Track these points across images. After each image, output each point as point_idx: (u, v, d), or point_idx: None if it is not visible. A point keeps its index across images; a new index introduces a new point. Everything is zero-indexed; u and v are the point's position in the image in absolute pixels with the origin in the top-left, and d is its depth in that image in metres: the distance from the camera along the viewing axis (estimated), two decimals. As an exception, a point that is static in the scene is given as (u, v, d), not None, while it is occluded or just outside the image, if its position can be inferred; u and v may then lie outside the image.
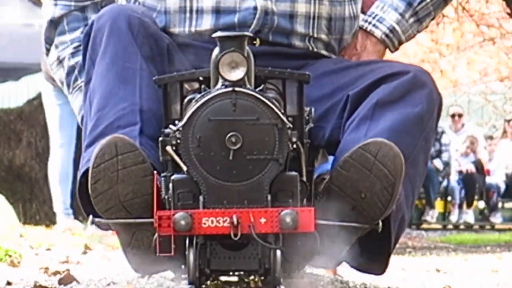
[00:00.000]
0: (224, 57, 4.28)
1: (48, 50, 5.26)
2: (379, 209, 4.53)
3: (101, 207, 4.43)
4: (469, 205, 28.46)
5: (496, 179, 27.82)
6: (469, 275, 9.25)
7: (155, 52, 4.76)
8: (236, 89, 4.31)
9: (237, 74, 4.30)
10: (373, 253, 4.87)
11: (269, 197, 4.42)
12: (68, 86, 5.27)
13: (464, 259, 12.70)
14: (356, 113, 4.80)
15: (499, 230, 26.62)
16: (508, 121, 27.88)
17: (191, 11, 4.80)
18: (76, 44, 5.12)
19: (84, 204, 4.62)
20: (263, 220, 4.33)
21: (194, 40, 4.92)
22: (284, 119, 4.47)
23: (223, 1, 4.92)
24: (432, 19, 5.39)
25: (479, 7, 23.76)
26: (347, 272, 6.43)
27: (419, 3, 5.11)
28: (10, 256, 8.05)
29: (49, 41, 5.24)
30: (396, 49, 5.29)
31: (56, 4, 5.17)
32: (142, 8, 4.89)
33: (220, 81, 4.41)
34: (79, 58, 5.07)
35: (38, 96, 16.10)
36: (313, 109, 4.60)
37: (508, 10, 20.09)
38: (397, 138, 4.56)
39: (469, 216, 26.92)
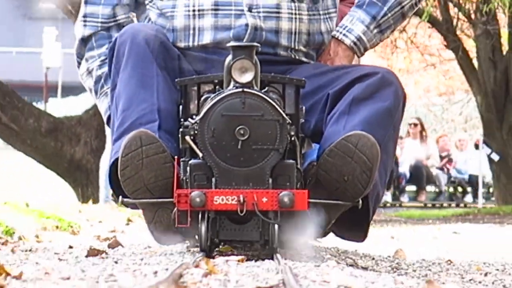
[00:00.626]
0: (236, 63, 4.35)
1: (79, 63, 5.32)
2: (359, 189, 4.57)
3: (129, 189, 4.50)
4: (387, 189, 29.04)
5: (404, 168, 28.69)
6: (416, 241, 9.27)
7: (167, 61, 4.82)
8: (245, 90, 4.36)
9: (246, 77, 4.36)
10: (355, 224, 4.93)
11: (270, 181, 4.45)
12: (96, 92, 5.30)
13: (412, 229, 12.64)
14: (336, 109, 4.82)
15: (406, 207, 27.61)
16: (411, 124, 28.79)
17: (194, 28, 4.87)
18: (102, 57, 5.16)
19: (114, 187, 4.69)
20: (264, 199, 4.35)
21: (196, 51, 4.96)
22: (285, 116, 4.50)
23: (220, 20, 4.97)
24: (392, 31, 5.44)
25: (423, 40, 24.50)
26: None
27: (382, 17, 5.08)
28: (71, 227, 8.27)
29: (80, 56, 5.29)
30: (362, 54, 5.25)
31: (85, 25, 5.24)
32: (156, 26, 4.98)
33: (232, 83, 4.45)
34: (105, 69, 5.14)
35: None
36: (304, 108, 4.59)
37: (445, 43, 20.48)
38: (371, 129, 4.59)
39: (387, 197, 27.76)
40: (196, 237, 4.55)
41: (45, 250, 5.91)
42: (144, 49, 4.75)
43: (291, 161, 4.56)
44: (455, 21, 21.10)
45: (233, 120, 4.43)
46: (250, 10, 4.85)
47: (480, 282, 4.99)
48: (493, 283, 4.96)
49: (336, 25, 5.25)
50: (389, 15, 5.10)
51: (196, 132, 4.44)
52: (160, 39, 4.79)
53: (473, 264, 5.67)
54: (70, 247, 6.03)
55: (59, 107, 37.45)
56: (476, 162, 28.50)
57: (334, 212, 4.68)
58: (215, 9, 4.85)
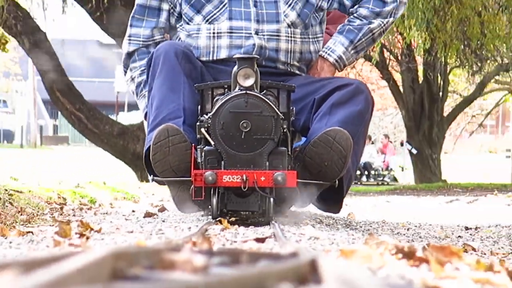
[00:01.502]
0: (240, 71, 4.35)
1: (125, 72, 5.33)
2: (336, 172, 4.54)
3: (158, 170, 4.50)
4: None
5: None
6: (362, 207, 9.20)
7: (192, 71, 4.81)
8: (248, 92, 4.33)
9: (249, 82, 4.34)
10: (332, 200, 4.93)
11: (267, 164, 4.41)
12: (137, 94, 5.27)
13: (359, 199, 12.37)
14: (319, 110, 4.80)
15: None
16: None
17: (213, 47, 4.86)
18: (142, 68, 5.11)
19: (148, 168, 4.72)
20: (262, 178, 4.31)
21: (215, 64, 4.90)
22: (279, 112, 4.47)
23: (234, 40, 4.90)
24: (365, 51, 5.68)
25: (366, 74, 25.54)
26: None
27: (357, 41, 5.05)
28: (134, 197, 8.39)
29: (126, 67, 5.29)
30: (342, 69, 5.24)
31: (130, 43, 5.19)
32: (184, 43, 4.98)
33: (237, 87, 4.41)
34: (143, 77, 5.11)
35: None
36: (294, 108, 4.59)
37: (381, 75, 21.46)
38: (346, 126, 4.57)
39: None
40: (209, 207, 4.52)
41: (116, 213, 6.40)
42: (174, 61, 4.76)
43: (283, 148, 4.51)
44: (387, 61, 21.62)
45: (238, 116, 4.39)
46: (256, 33, 4.83)
47: (404, 234, 5.22)
48: (412, 234, 5.20)
49: (322, 47, 5.20)
50: (363, 39, 5.08)
51: (209, 125, 4.41)
52: (187, 54, 4.83)
53: (399, 222, 5.79)
54: (133, 211, 6.40)
55: (126, 118, 38.34)
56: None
57: (316, 189, 4.62)
58: (230, 32, 4.85)
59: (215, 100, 4.60)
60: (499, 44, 15.25)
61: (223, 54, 4.91)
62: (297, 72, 5.08)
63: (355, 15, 5.12)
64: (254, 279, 1.38)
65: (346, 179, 4.81)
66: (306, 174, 4.58)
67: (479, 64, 18.07)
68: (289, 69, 5.05)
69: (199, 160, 4.53)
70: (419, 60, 23.33)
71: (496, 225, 5.96)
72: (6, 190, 6.95)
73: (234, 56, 4.62)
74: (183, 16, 5.05)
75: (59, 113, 25.31)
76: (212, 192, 4.38)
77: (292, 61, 5.01)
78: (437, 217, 7.22)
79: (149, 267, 1.63)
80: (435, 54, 16.91)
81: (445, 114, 23.27)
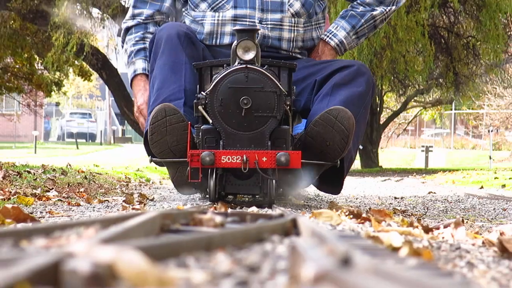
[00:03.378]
0: (240, 43, 3.16)
1: (122, 46, 4.03)
2: (338, 152, 3.33)
3: (156, 151, 3.30)
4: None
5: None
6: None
7: (194, 52, 3.56)
8: (249, 66, 3.16)
9: (249, 55, 3.16)
10: (333, 181, 3.67)
11: (269, 143, 3.22)
12: (127, 63, 3.93)
13: None
14: (321, 91, 3.57)
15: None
16: None
17: (217, 33, 3.63)
18: (136, 39, 3.83)
19: (147, 149, 3.45)
20: (264, 158, 3.10)
21: (217, 47, 3.66)
22: (281, 88, 3.28)
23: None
24: (366, 38, 4.08)
25: None
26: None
27: (359, 27, 3.82)
28: (149, 180, 8.06)
29: (123, 42, 3.98)
30: (342, 54, 3.99)
31: (130, 20, 3.89)
32: (186, 25, 3.73)
33: (237, 61, 3.23)
34: (135, 47, 3.82)
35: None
36: (295, 88, 3.45)
37: None
38: (347, 107, 3.41)
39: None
40: (207, 190, 3.38)
41: (164, 188, 6.11)
42: (176, 42, 3.55)
43: (286, 126, 3.32)
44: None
45: (238, 92, 3.21)
46: (260, 22, 3.64)
47: (354, 202, 4.76)
48: (360, 202, 4.81)
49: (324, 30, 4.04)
50: (365, 26, 3.87)
51: (207, 102, 3.23)
52: (189, 35, 3.62)
53: (350, 195, 5.66)
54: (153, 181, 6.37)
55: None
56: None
57: (317, 170, 3.42)
58: (234, 20, 3.64)
59: (213, 78, 3.37)
60: (417, 76, 15.34)
61: (226, 40, 3.69)
62: (299, 56, 3.89)
63: (358, 1, 3.93)
64: (255, 232, 1.39)
65: (346, 160, 3.60)
66: (307, 154, 3.32)
67: (404, 90, 18.21)
68: (290, 54, 3.84)
69: (196, 140, 3.35)
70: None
71: (415, 196, 6.05)
72: (91, 172, 7.01)
73: (233, 28, 3.45)
74: (189, 2, 3.83)
75: (126, 121, 24.67)
76: (209, 174, 3.19)
77: (294, 49, 3.80)
78: (375, 191, 7.13)
79: (185, 223, 1.64)
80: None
81: (381, 122, 23.27)
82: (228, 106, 3.18)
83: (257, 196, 3.52)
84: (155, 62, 3.58)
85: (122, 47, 4.03)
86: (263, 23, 3.66)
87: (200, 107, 3.21)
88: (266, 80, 3.18)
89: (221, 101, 3.18)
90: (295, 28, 3.74)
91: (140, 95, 3.82)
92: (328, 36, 3.86)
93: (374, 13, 3.87)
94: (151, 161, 3.45)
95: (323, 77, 3.58)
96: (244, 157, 3.08)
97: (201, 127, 3.24)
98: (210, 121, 3.20)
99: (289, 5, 3.70)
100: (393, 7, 3.91)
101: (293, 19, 3.72)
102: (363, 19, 3.85)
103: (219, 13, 3.69)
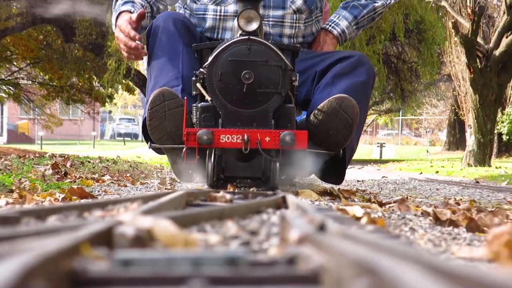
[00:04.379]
0: (243, 13, 2.30)
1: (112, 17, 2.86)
2: (341, 141, 2.49)
3: (155, 137, 2.49)
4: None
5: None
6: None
7: (191, 40, 2.65)
8: (251, 37, 2.28)
9: (252, 26, 2.29)
10: (335, 171, 2.77)
11: (272, 122, 2.34)
12: (113, 13, 2.78)
13: None
14: (321, 82, 2.72)
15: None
16: None
17: (218, 28, 2.72)
18: (122, 1, 2.77)
19: (146, 136, 2.60)
20: (267, 138, 2.22)
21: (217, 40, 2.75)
22: (287, 62, 2.35)
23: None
24: (363, 29, 3.12)
25: None
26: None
27: (361, 18, 2.97)
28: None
29: (114, 4, 2.75)
30: (342, 44, 3.09)
31: None
32: (183, 14, 2.82)
33: (239, 33, 2.35)
34: (121, 1, 2.74)
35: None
36: (297, 75, 2.51)
37: None
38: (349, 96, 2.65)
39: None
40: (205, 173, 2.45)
41: None
42: (173, 30, 2.68)
43: (291, 105, 2.41)
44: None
45: (239, 65, 2.30)
46: (262, 19, 2.59)
47: (328, 184, 4.49)
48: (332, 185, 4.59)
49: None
50: (366, 17, 3.04)
51: (205, 76, 2.33)
52: (185, 23, 2.75)
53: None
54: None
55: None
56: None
57: (320, 159, 2.55)
58: (236, 16, 2.65)
59: (214, 51, 2.42)
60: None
61: (227, 35, 2.80)
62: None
63: None
64: (255, 206, 1.39)
65: (348, 150, 2.72)
66: (309, 144, 2.40)
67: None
68: None
69: (194, 120, 2.42)
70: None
71: (372, 179, 6.06)
72: (135, 162, 7.02)
73: None
74: None
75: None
76: (207, 155, 2.28)
77: (295, 42, 2.92)
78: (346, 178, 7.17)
79: (204, 199, 1.64)
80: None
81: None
82: (228, 81, 2.30)
83: (258, 181, 2.57)
84: (153, 51, 2.75)
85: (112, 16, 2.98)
86: (264, 19, 2.84)
87: (198, 84, 2.33)
88: (270, 53, 2.30)
89: (220, 76, 2.29)
90: (296, 25, 2.92)
91: (120, 19, 2.77)
92: (330, 26, 3.04)
93: (376, 4, 3.13)
94: (150, 147, 2.60)
95: (323, 68, 2.77)
96: (245, 137, 2.20)
97: (199, 105, 2.35)
98: (209, 98, 2.32)
99: (291, 2, 2.89)
100: (393, 1, 3.17)
101: (294, 16, 2.90)
102: (365, 10, 3.10)
103: (221, 7, 2.85)
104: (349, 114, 2.42)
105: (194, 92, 2.36)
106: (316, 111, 2.46)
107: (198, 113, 2.33)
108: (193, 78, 2.35)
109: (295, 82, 2.36)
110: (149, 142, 2.59)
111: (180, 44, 2.68)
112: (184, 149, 2.23)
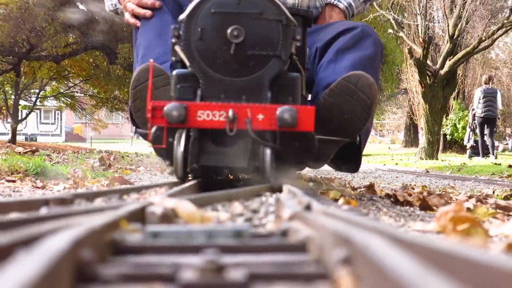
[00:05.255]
0: None
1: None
2: (358, 126, 1.51)
3: (140, 121, 1.51)
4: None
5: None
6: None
7: (180, 13, 1.44)
8: None
9: None
10: (350, 158, 1.80)
11: (268, 95, 1.21)
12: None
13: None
14: (324, 59, 1.79)
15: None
16: None
17: None
18: None
19: (132, 121, 1.61)
20: (260, 116, 1.11)
21: None
22: (289, 15, 1.26)
23: None
24: (370, 3, 2.16)
25: None
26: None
27: None
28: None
29: None
30: (350, 19, 2.11)
31: None
32: None
33: None
34: None
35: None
36: (308, 49, 1.60)
37: None
38: None
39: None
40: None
41: None
42: (161, 5, 1.80)
43: (295, 74, 1.29)
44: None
45: (225, 19, 1.22)
46: None
47: (312, 173, 3.56)
48: (315, 174, 4.27)
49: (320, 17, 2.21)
50: None
51: (180, 33, 1.25)
52: None
53: (308, 169, 5.46)
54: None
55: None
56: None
57: (333, 147, 1.58)
58: None
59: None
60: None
61: None
62: None
63: None
64: (256, 190, 1.33)
65: (363, 134, 1.79)
66: (320, 130, 1.52)
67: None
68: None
69: (172, 93, 1.32)
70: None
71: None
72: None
73: None
74: None
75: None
76: (177, 137, 1.22)
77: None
78: (325, 167, 7.07)
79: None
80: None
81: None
82: (210, 40, 1.29)
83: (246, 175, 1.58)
84: (140, 28, 1.91)
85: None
86: None
87: (177, 47, 1.32)
88: (267, 3, 1.31)
89: (200, 33, 1.29)
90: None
91: None
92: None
93: None
94: (135, 132, 1.68)
95: (324, 43, 1.89)
96: (231, 113, 1.22)
97: (174, 72, 1.35)
98: (187, 62, 1.32)
99: None
100: None
101: None
102: None
103: None
104: (367, 94, 1.56)
105: (173, 58, 1.39)
106: (328, 92, 1.58)
107: (174, 82, 1.33)
108: (172, 40, 1.35)
109: (301, 44, 1.39)
110: (135, 127, 1.70)
111: (169, 18, 1.87)
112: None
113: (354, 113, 1.58)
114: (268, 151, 1.23)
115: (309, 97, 1.79)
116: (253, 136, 1.20)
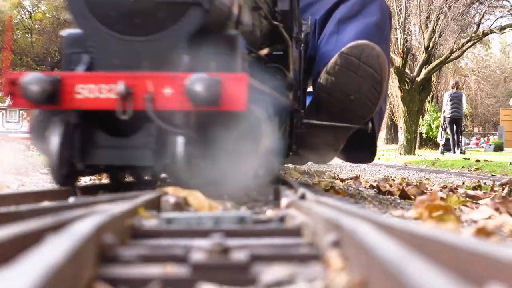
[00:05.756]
0: None
1: None
2: (368, 107, 1.01)
3: None
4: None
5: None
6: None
7: None
8: None
9: None
10: (361, 146, 1.27)
11: (185, 59, 0.54)
12: None
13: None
14: (324, 32, 1.27)
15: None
16: None
17: None
18: None
19: None
20: (168, 91, 0.47)
21: None
22: None
23: None
24: None
25: None
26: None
27: None
28: None
29: None
30: None
31: None
32: None
33: None
34: None
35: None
36: (310, 18, 1.09)
37: None
38: None
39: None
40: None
41: None
42: None
43: (234, 31, 0.62)
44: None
45: None
46: None
47: (305, 166, 3.02)
48: (309, 167, 3.54)
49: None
50: None
51: None
52: None
53: (306, 165, 5.29)
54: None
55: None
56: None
57: (342, 134, 1.07)
58: None
59: None
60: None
61: None
62: None
63: None
64: (259, 182, 1.36)
65: (376, 116, 1.22)
66: (324, 116, 1.07)
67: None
68: None
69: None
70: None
71: (336, 163, 6.01)
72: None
73: None
74: None
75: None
76: (52, 125, 0.58)
77: None
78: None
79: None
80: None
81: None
82: None
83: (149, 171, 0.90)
84: None
85: None
86: None
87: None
88: None
89: None
90: None
91: None
92: None
93: None
94: None
95: (323, 14, 1.41)
96: (121, 86, 0.62)
97: (63, 33, 0.77)
98: (75, 19, 0.73)
99: None
100: None
101: None
102: None
103: None
104: (374, 66, 1.10)
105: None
106: (328, 69, 1.15)
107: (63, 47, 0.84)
108: None
109: (304, 25, 0.95)
110: None
111: None
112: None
113: (361, 93, 1.09)
114: (180, 141, 0.69)
115: (310, 88, 1.25)
116: (156, 119, 0.66)
